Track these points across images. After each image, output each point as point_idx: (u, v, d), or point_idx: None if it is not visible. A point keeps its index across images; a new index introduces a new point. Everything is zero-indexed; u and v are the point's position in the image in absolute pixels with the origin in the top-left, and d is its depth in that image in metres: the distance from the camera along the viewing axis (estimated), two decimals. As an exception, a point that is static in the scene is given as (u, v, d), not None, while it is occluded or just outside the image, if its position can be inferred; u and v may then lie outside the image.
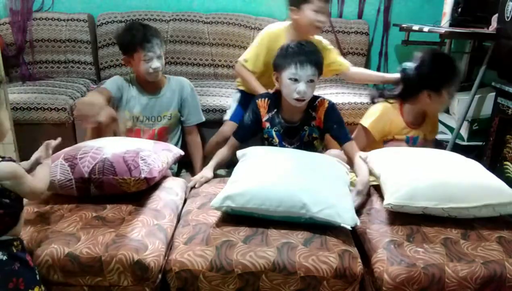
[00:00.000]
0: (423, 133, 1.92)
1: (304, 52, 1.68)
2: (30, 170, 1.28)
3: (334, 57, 2.22)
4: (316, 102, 1.81)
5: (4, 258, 1.10)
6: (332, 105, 1.81)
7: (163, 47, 2.04)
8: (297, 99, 1.70)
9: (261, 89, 2.05)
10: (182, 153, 1.83)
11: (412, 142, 1.90)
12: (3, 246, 1.11)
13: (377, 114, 1.89)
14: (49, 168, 1.31)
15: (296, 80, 1.67)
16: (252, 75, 2.14)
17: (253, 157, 1.57)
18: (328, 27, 2.92)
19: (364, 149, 1.87)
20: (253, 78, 2.13)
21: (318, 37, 2.19)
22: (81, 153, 1.48)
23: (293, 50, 1.69)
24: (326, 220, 1.32)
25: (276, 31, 2.14)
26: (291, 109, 1.80)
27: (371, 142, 1.90)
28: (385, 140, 1.91)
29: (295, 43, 1.72)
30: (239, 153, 1.66)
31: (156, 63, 1.98)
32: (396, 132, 1.89)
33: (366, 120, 1.91)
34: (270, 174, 1.41)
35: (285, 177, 1.40)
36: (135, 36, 1.97)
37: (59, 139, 1.39)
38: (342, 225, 1.31)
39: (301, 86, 1.66)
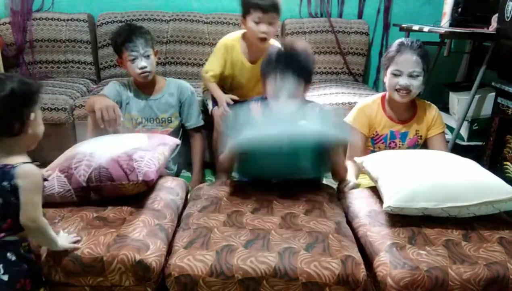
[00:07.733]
0: (415, 130, 1.88)
1: (284, 63, 1.58)
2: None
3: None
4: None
5: (13, 258, 1.10)
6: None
7: (150, 46, 2.02)
8: None
9: (222, 96, 2.17)
10: (178, 142, 1.82)
11: (399, 137, 1.87)
12: (12, 246, 1.11)
13: (354, 111, 1.91)
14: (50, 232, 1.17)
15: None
16: (214, 84, 2.23)
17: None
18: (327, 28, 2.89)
19: (361, 150, 1.86)
20: (215, 86, 2.23)
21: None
22: (75, 162, 1.46)
23: (276, 61, 1.60)
24: None
25: (230, 41, 2.21)
26: None
27: (364, 140, 1.89)
28: (372, 137, 1.90)
29: (279, 52, 1.64)
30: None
31: (142, 63, 1.98)
32: (378, 127, 1.87)
33: (348, 119, 1.90)
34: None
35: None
36: (119, 37, 1.99)
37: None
38: None
39: (282, 99, 1.58)
